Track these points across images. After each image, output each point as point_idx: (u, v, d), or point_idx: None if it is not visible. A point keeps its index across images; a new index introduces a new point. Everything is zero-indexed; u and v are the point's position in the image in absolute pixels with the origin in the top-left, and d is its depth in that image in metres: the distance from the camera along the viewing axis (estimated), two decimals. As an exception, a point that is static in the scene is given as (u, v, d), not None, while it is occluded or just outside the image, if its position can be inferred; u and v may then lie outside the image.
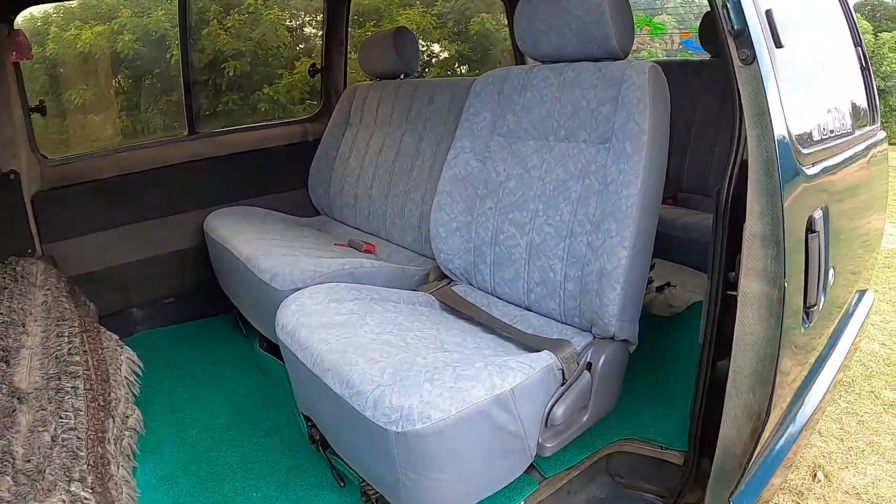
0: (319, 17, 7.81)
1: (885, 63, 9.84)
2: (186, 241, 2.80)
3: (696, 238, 2.35)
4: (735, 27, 1.16)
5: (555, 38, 1.72)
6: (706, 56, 2.91)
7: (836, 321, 1.91)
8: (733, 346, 1.32)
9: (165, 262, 2.78)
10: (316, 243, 2.48)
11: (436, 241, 1.98)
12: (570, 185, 1.69)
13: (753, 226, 1.20)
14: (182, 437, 2.03)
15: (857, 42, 2.21)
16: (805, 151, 1.32)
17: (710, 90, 2.75)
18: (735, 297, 1.31)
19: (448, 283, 2.01)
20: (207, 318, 2.86)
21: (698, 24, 2.94)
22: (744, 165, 1.25)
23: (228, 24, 7.97)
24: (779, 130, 1.16)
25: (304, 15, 7.87)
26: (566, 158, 1.72)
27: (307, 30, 8.17)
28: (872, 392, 2.73)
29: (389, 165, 2.56)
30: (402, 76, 2.72)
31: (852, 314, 2.13)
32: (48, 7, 7.46)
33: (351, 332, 1.55)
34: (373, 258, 2.41)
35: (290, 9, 7.66)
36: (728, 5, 1.15)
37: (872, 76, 2.30)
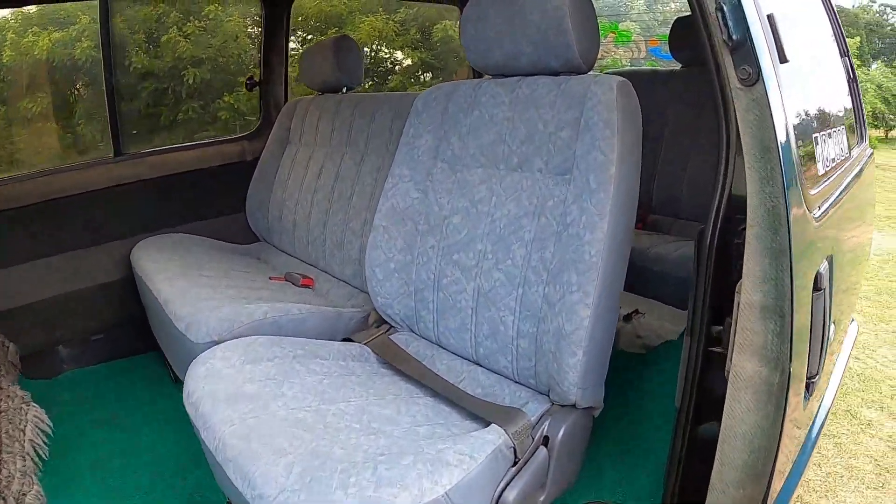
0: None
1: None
2: (115, 273, 2.47)
3: (670, 271, 2.05)
4: (733, 37, 0.86)
5: (507, 48, 1.42)
6: (676, 65, 2.62)
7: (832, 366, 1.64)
8: (720, 433, 1.05)
9: (93, 295, 2.45)
10: (248, 279, 2.19)
11: (372, 282, 1.66)
12: (523, 224, 1.39)
13: (751, 294, 0.91)
14: (102, 498, 1.76)
15: (844, 52, 1.95)
16: (813, 192, 1.03)
17: (681, 100, 2.48)
18: (718, 354, 1.06)
19: (388, 331, 1.70)
20: (139, 356, 2.53)
21: (667, 32, 2.67)
22: (733, 203, 0.98)
23: (188, 31, 7.63)
24: (787, 171, 0.86)
25: (266, 22, 7.49)
26: (519, 191, 1.41)
27: (269, 37, 7.76)
28: (849, 411, 2.55)
29: (328, 191, 2.24)
30: (344, 89, 2.39)
31: (841, 348, 1.89)
32: (6, 12, 7.07)
33: (262, 407, 1.25)
34: (309, 295, 2.12)
35: (251, 16, 7.29)
36: (724, 8, 0.85)
37: (860, 89, 2.04)
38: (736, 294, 0.96)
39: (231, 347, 1.45)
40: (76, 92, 7.78)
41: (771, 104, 0.85)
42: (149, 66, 7.76)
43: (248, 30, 7.62)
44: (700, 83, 2.43)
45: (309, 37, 7.65)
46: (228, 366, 1.39)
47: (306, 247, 2.35)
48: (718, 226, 1.08)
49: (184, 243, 2.46)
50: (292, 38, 7.84)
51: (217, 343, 1.54)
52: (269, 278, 2.26)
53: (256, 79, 2.77)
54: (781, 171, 0.85)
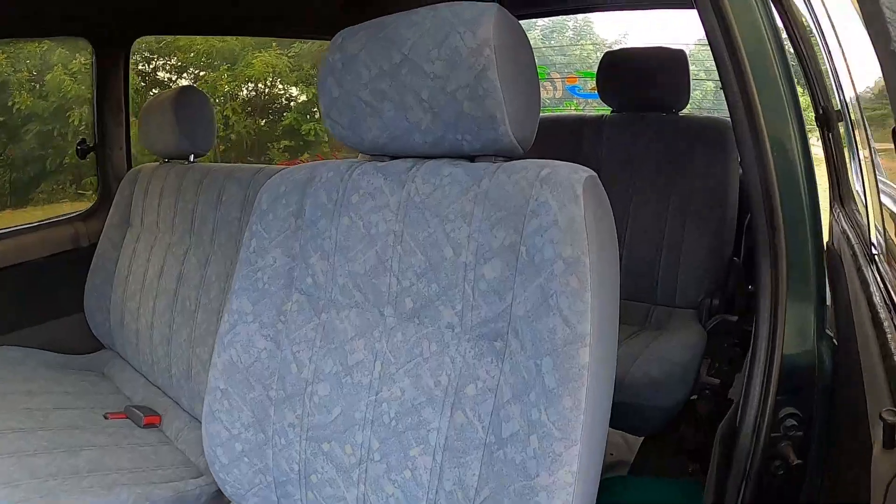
0: (173, 61, 6.72)
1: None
2: None
3: (661, 405, 1.47)
4: None
5: (389, 115, 0.87)
6: (602, 106, 2.12)
7: None
8: None
9: None
10: (76, 419, 1.59)
11: (215, 466, 1.06)
12: (426, 418, 0.83)
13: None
14: None
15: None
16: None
17: (617, 152, 1.97)
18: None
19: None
20: None
21: (558, 60, 2.16)
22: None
23: (74, 69, 6.76)
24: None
25: (157, 59, 6.72)
26: (417, 358, 0.85)
27: (161, 74, 7.02)
28: None
29: (171, 298, 1.63)
30: (191, 157, 1.78)
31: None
32: None
33: None
34: (154, 439, 1.55)
35: (140, 52, 6.51)
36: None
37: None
38: None
39: None
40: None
41: None
42: (32, 106, 6.96)
43: (140, 67, 6.83)
44: (641, 131, 1.92)
45: (201, 73, 6.92)
46: None
47: (151, 367, 1.74)
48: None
49: (6, 362, 1.84)
50: (183, 75, 7.15)
51: None
52: (106, 415, 1.65)
53: (90, 142, 2.11)
54: None
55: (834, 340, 0.90)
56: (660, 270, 1.83)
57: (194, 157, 1.78)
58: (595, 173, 0.78)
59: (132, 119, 2.22)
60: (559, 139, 1.97)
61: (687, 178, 1.82)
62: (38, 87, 7.15)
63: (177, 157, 1.83)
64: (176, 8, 1.95)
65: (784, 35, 1.52)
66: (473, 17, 0.80)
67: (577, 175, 0.75)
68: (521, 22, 0.85)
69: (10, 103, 6.72)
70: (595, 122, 2.01)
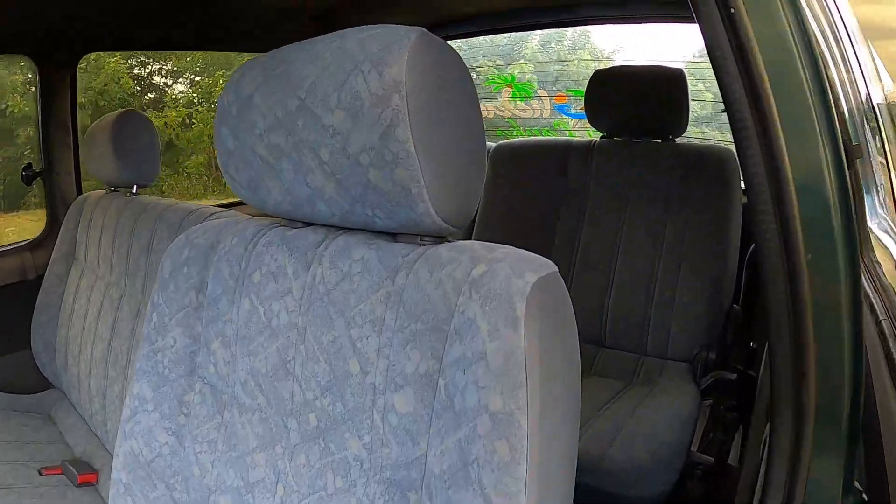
0: (168, 65, 6.55)
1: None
2: None
3: (645, 494, 1.23)
4: None
5: (290, 181, 0.68)
6: (590, 128, 1.91)
7: None
8: None
9: None
10: (8, 476, 1.45)
11: None
12: None
13: None
14: None
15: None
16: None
17: (607, 181, 1.75)
18: None
19: None
20: None
21: (561, 70, 1.94)
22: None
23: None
24: None
25: (153, 63, 6.56)
26: (320, 490, 0.66)
27: (157, 78, 6.84)
28: None
29: (105, 348, 1.47)
30: (134, 188, 1.61)
31: None
32: None
33: None
34: (83, 501, 1.40)
35: (135, 56, 6.35)
36: None
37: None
38: None
39: None
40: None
41: None
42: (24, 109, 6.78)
43: (135, 70, 6.65)
44: (632, 160, 1.68)
45: (196, 78, 6.74)
46: None
47: (91, 417, 1.57)
48: None
49: None
50: (179, 80, 6.98)
51: None
52: (41, 470, 1.49)
53: (36, 167, 1.94)
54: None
55: (863, 496, 0.69)
56: (651, 318, 1.60)
57: (137, 188, 1.60)
58: (553, 270, 0.57)
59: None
60: (542, 168, 1.77)
61: (683, 214, 1.58)
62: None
63: (121, 186, 1.65)
64: (127, 23, 1.77)
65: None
66: (383, 48, 0.58)
67: (521, 281, 0.54)
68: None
69: (3, 106, 6.55)
70: (582, 149, 1.77)
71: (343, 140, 0.59)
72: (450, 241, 0.64)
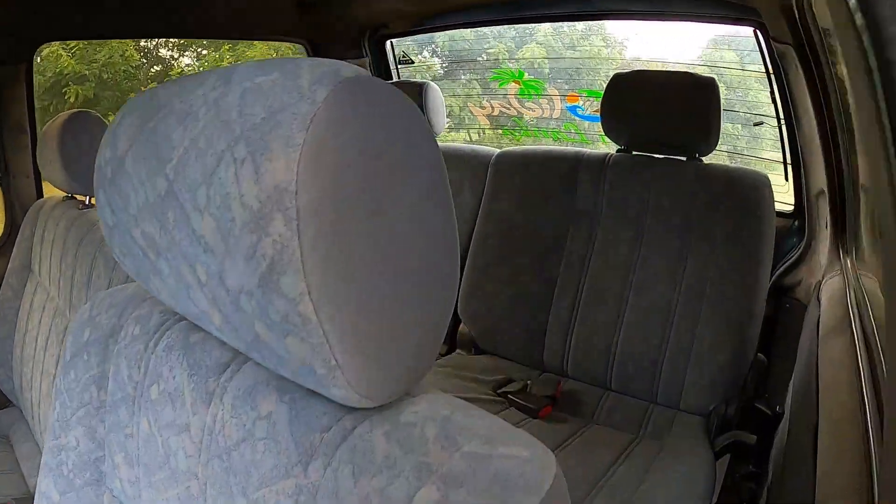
0: (174, 38, 6.30)
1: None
2: None
3: None
4: None
5: (172, 287, 0.47)
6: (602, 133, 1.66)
7: None
8: None
9: None
10: None
11: None
12: None
13: None
14: None
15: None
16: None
17: (618, 205, 1.49)
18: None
19: None
20: None
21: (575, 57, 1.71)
22: None
23: (71, 45, 6.37)
24: None
25: (158, 34, 6.34)
26: None
27: (163, 51, 6.61)
28: None
29: (49, 381, 1.29)
30: (87, 199, 1.42)
31: None
32: None
33: None
34: None
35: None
36: None
37: None
38: None
39: None
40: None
41: None
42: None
43: (142, 43, 6.42)
44: (652, 179, 1.44)
45: (203, 52, 6.48)
46: None
47: (44, 447, 1.41)
48: None
49: None
50: (186, 53, 6.73)
51: None
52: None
53: (-5, 168, 1.74)
54: None
55: None
56: (664, 363, 1.38)
57: (89, 200, 1.41)
58: (551, 463, 0.38)
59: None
60: (548, 182, 1.54)
61: (707, 248, 1.36)
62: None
63: (77, 194, 1.47)
64: (89, 7, 1.56)
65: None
66: (268, 117, 0.35)
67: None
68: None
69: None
70: (595, 163, 1.52)
71: (218, 265, 0.38)
72: (408, 398, 0.43)
